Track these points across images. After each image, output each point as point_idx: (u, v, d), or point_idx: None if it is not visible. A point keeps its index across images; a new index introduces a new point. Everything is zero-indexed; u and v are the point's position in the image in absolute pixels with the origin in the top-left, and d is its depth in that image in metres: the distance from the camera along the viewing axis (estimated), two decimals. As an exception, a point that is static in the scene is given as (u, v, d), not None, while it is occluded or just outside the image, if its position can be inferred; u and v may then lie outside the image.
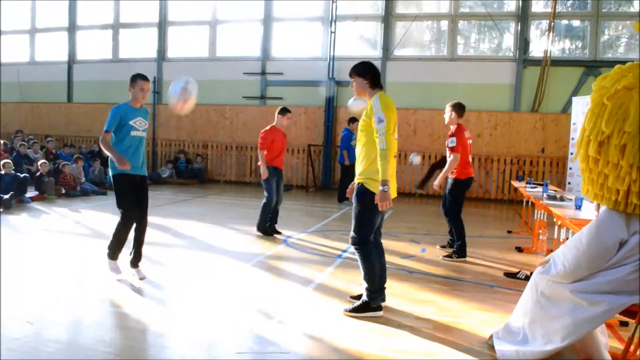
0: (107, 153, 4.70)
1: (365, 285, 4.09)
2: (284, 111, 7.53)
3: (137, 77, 4.82)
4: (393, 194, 3.99)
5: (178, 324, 3.79)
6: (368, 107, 4.00)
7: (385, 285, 4.30)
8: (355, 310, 4.06)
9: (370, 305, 4.05)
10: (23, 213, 8.48)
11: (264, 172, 7.12)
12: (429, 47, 14.48)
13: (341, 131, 13.92)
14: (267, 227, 7.27)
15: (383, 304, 4.17)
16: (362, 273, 4.10)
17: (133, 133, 4.74)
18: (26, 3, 17.24)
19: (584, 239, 2.95)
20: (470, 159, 6.45)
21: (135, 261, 4.92)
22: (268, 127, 7.50)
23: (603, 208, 2.95)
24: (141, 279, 4.82)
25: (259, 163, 7.23)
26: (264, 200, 7.24)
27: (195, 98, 4.56)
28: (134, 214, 4.80)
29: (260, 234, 7.24)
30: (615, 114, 2.73)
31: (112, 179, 4.83)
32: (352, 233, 4.10)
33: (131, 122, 4.72)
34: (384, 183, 3.80)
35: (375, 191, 3.89)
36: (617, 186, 2.75)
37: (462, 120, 6.35)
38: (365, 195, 3.95)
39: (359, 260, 4.10)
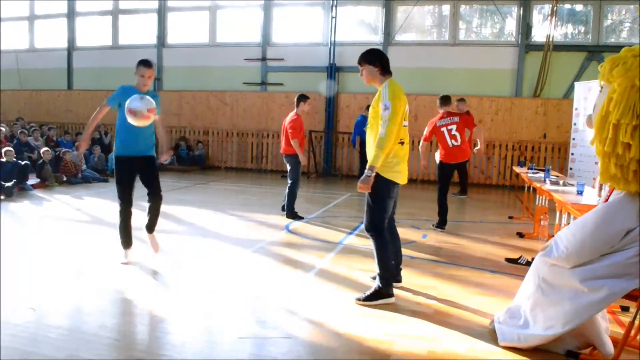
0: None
1: (378, 271, 4.06)
2: (305, 98, 7.66)
3: (139, 63, 4.82)
4: (403, 180, 4.08)
5: (180, 310, 3.80)
6: (377, 95, 4.00)
7: (401, 266, 4.48)
8: (368, 298, 4.00)
9: (383, 292, 4.01)
10: (25, 200, 8.49)
11: (303, 160, 7.52)
12: (431, 32, 14.35)
13: (343, 117, 13.99)
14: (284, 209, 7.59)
15: (398, 285, 4.24)
16: (375, 259, 4.08)
17: None
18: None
19: (590, 224, 2.94)
20: (453, 144, 7.09)
21: (149, 227, 5.05)
22: (295, 116, 7.56)
23: (616, 194, 2.92)
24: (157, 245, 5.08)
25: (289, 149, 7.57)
26: (289, 187, 7.48)
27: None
28: (127, 203, 4.83)
29: (291, 220, 7.37)
30: None
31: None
32: (365, 220, 4.10)
33: None
34: (371, 168, 3.86)
35: (385, 176, 3.95)
36: None
37: (452, 108, 7.36)
38: (376, 180, 3.94)
39: (373, 247, 4.08)
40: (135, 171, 4.83)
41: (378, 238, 4.05)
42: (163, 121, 5.15)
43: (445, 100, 7.20)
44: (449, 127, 7.03)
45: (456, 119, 7.06)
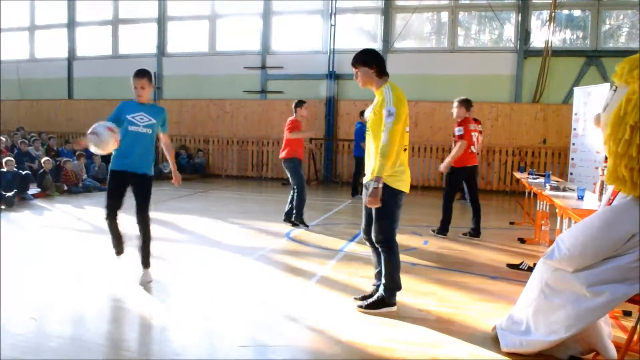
0: None
1: (384, 281, 3.99)
2: (301, 103, 7.66)
3: (133, 74, 4.61)
4: (407, 188, 3.95)
5: (181, 318, 3.79)
6: (379, 100, 3.81)
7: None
8: (370, 306, 3.96)
9: (386, 301, 3.96)
10: (25, 210, 8.48)
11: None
12: (429, 39, 14.42)
13: (343, 124, 14.01)
14: (287, 214, 7.55)
15: (398, 293, 4.10)
16: (383, 270, 4.00)
17: (131, 128, 4.51)
18: (25, 1, 17.19)
19: (593, 227, 2.92)
20: (473, 150, 7.04)
21: (142, 261, 4.65)
22: (294, 119, 7.54)
23: (621, 198, 2.90)
24: (146, 282, 4.55)
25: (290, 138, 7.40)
26: (296, 192, 7.39)
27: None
28: (108, 211, 4.61)
29: (302, 224, 7.39)
30: None
31: None
32: (374, 232, 3.95)
33: (129, 117, 4.51)
34: (378, 179, 3.68)
35: (392, 186, 3.80)
36: None
37: (469, 113, 7.09)
38: (384, 192, 3.78)
39: (382, 257, 3.98)
40: (125, 186, 4.60)
41: (389, 250, 3.93)
42: (167, 140, 4.92)
43: (471, 103, 7.08)
44: (474, 133, 7.05)
45: (480, 127, 7.12)
